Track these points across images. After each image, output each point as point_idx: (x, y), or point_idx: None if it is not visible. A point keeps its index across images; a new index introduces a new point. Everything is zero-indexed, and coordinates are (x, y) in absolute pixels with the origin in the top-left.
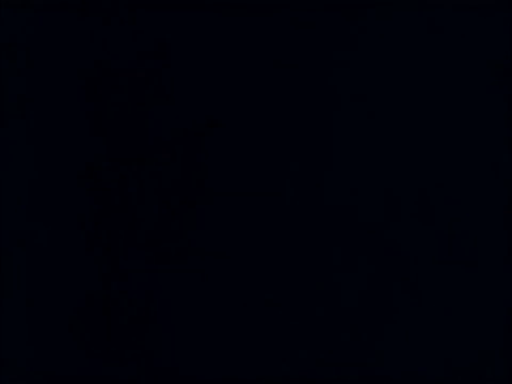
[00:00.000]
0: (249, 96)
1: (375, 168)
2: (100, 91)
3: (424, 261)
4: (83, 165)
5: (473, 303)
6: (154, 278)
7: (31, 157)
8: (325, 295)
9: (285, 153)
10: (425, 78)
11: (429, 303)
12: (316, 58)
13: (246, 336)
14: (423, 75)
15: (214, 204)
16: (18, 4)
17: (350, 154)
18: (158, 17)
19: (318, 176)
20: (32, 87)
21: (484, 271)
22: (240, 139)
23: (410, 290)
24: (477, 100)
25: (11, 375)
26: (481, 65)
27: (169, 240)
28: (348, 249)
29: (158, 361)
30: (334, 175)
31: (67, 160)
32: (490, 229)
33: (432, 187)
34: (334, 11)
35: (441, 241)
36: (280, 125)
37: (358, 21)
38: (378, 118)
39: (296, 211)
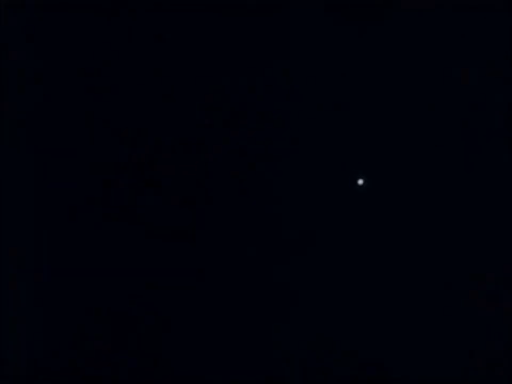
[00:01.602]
0: (250, 95)
1: (375, 169)
2: (100, 91)
3: (425, 263)
4: (82, 165)
5: (475, 307)
6: (157, 279)
7: (31, 158)
8: (326, 295)
9: (284, 153)
10: (425, 78)
11: (430, 306)
12: (316, 59)
13: (246, 336)
14: (422, 75)
15: (216, 205)
16: (18, 4)
17: (349, 152)
18: (158, 17)
19: (319, 175)
20: (33, 87)
21: (487, 276)
22: (240, 139)
23: (411, 294)
24: (477, 99)
25: (11, 375)
26: (482, 65)
27: (171, 241)
28: (349, 248)
29: (160, 362)
30: (332, 175)
31: (67, 162)
32: (492, 234)
33: (434, 187)
34: (334, 11)
35: (443, 246)
36: (282, 125)
37: (358, 21)
38: (378, 117)
39: (295, 212)
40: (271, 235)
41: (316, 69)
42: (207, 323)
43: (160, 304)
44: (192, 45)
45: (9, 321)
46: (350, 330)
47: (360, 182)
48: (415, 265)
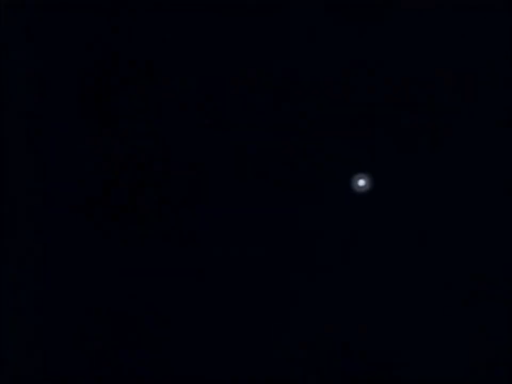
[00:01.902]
0: (250, 95)
1: (375, 170)
2: (100, 92)
3: (425, 263)
4: (82, 165)
5: (475, 307)
6: (157, 280)
7: (31, 158)
8: (327, 296)
9: (285, 153)
10: (425, 78)
11: (430, 306)
12: (316, 59)
13: (246, 337)
14: (423, 75)
15: (215, 205)
16: (18, 4)
17: (350, 152)
18: (157, 17)
19: (320, 175)
20: (33, 87)
21: (487, 277)
22: (239, 139)
23: (412, 294)
24: (477, 99)
25: (11, 375)
26: (481, 66)
27: (170, 241)
28: (351, 249)
29: (160, 362)
30: (333, 175)
31: (67, 161)
32: (492, 236)
33: (435, 188)
34: (334, 11)
35: (444, 246)
36: (282, 125)
37: (358, 21)
38: (378, 117)
39: (295, 212)
40: (272, 235)
41: (316, 69)
42: (207, 323)
43: (160, 304)
44: (191, 45)
45: (9, 321)
46: (350, 330)
47: (362, 182)
48: (416, 265)
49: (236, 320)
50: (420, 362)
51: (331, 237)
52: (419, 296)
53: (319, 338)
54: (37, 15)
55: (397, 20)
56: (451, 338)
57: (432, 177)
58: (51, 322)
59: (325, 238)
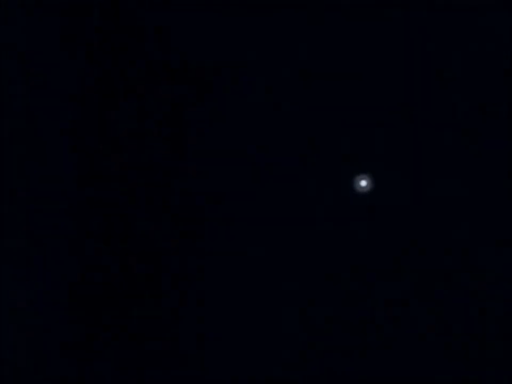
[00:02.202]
0: (250, 96)
1: (375, 170)
2: (99, 94)
3: (425, 262)
4: (81, 165)
5: (475, 310)
6: (155, 281)
7: (31, 158)
8: (328, 296)
9: (285, 154)
10: (425, 78)
11: (429, 306)
12: (316, 59)
13: (248, 338)
14: (423, 75)
15: (216, 205)
16: (18, 4)
17: (350, 153)
18: (158, 16)
19: (320, 177)
20: (33, 87)
21: (487, 276)
22: (241, 139)
23: (413, 294)
24: (477, 100)
25: (11, 375)
26: (482, 65)
27: (171, 244)
28: (352, 248)
29: (159, 362)
30: (333, 176)
31: (66, 162)
32: (492, 237)
33: (436, 188)
34: (334, 11)
35: (444, 247)
36: (282, 126)
37: (358, 21)
38: (378, 118)
39: (296, 214)
40: (272, 235)
41: (316, 69)
42: (207, 323)
43: (160, 305)
44: (191, 46)
45: (8, 322)
46: (350, 330)
47: (363, 183)
48: (416, 265)
49: (236, 320)
50: (420, 362)
51: (332, 237)
52: (420, 295)
53: (319, 338)
54: (37, 15)
55: (397, 20)
56: (451, 338)
57: (433, 177)
58: (50, 322)
59: (326, 237)
